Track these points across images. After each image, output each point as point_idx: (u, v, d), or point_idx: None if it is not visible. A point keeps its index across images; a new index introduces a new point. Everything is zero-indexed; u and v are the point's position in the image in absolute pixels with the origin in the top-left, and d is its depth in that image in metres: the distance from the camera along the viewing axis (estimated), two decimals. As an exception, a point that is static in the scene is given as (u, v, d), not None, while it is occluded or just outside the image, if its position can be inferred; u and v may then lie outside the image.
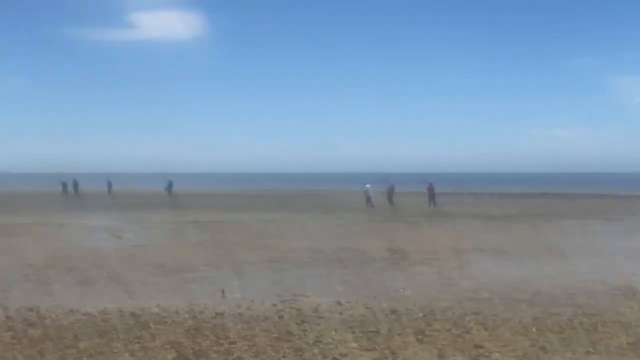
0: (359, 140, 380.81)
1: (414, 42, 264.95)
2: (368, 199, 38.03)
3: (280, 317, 9.82)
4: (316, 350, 7.98)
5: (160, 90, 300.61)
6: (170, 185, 55.40)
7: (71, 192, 55.55)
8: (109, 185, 59.22)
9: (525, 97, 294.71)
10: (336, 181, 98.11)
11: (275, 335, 8.71)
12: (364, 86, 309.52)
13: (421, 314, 9.92)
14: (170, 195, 52.62)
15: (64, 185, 57.27)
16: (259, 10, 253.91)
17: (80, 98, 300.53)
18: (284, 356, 7.79)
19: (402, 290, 12.06)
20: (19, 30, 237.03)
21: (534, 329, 8.94)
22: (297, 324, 9.35)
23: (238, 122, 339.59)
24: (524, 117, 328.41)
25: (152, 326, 9.17)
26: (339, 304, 10.71)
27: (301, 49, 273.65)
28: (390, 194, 40.26)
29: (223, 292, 11.70)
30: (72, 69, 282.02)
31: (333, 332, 8.80)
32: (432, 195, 39.80)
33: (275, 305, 10.67)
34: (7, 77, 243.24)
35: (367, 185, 39.01)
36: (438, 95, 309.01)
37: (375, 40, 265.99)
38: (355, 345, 8.21)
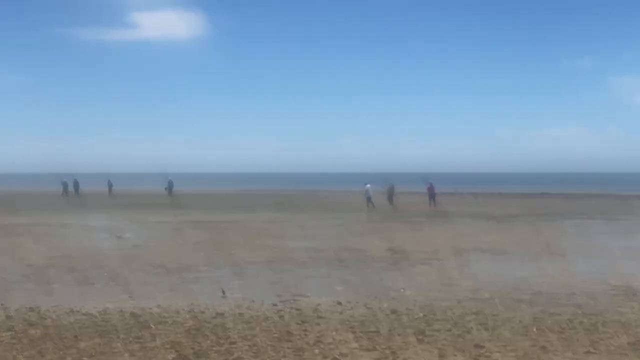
0: (360, 140, 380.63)
1: (413, 41, 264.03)
2: (369, 199, 38.06)
3: (281, 317, 9.83)
4: (317, 351, 7.99)
5: (160, 90, 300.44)
6: (170, 185, 55.45)
7: (72, 193, 55.51)
8: (110, 185, 59.39)
9: (525, 97, 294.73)
10: (336, 181, 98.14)
11: (276, 335, 8.72)
12: (364, 86, 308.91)
13: (421, 314, 9.93)
14: (171, 196, 52.66)
15: (65, 185, 57.21)
16: (258, 10, 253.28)
17: (80, 98, 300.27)
18: (285, 356, 7.79)
19: (402, 290, 12.07)
20: (18, 29, 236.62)
21: (534, 329, 8.94)
22: (298, 324, 9.36)
23: (238, 122, 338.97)
24: (523, 117, 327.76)
25: (153, 326, 9.18)
26: (339, 304, 10.73)
27: (301, 47, 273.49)
28: (390, 194, 40.31)
29: (223, 292, 11.71)
30: (72, 69, 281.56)
31: (333, 332, 8.80)
32: (432, 195, 39.82)
33: (276, 305, 10.69)
34: (6, 76, 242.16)
35: (368, 185, 39.04)
36: (437, 96, 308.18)
37: (374, 39, 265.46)
38: (355, 345, 8.21)
